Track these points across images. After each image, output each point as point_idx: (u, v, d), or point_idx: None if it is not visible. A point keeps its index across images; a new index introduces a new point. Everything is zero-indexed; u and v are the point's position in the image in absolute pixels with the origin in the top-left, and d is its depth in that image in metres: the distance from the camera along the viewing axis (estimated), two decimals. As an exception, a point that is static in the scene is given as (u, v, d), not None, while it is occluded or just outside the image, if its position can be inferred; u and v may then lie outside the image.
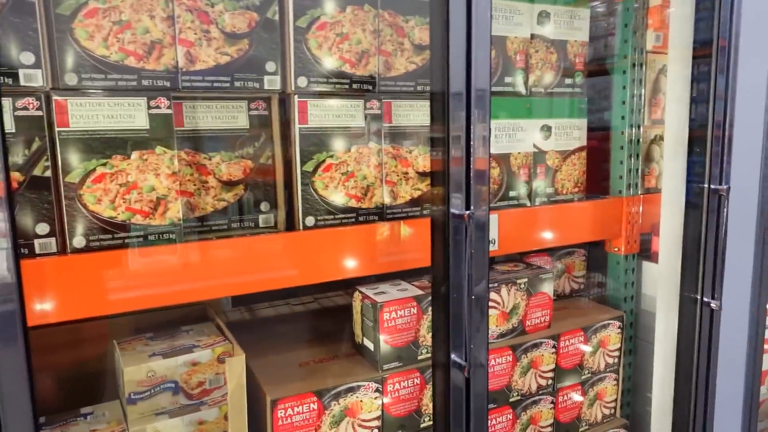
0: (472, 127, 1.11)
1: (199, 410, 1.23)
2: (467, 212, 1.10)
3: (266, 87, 1.31)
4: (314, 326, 1.72)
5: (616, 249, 1.87)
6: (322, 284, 2.02)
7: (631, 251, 1.87)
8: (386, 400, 1.40)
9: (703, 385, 1.59)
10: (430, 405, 1.47)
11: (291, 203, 1.38)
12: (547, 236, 1.71)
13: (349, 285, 1.53)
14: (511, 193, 1.67)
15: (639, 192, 1.86)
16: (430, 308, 1.45)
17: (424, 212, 1.52)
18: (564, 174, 1.76)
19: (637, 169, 1.84)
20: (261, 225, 1.38)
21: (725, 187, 1.46)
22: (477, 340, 1.17)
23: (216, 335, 1.34)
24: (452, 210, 1.11)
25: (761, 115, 1.60)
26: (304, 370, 1.41)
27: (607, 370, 1.78)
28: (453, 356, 1.16)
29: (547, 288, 1.65)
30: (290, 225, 1.39)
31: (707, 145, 1.50)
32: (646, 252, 1.90)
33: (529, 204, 1.70)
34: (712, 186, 1.47)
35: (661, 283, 1.74)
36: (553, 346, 1.64)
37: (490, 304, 1.54)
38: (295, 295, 1.97)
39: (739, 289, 1.63)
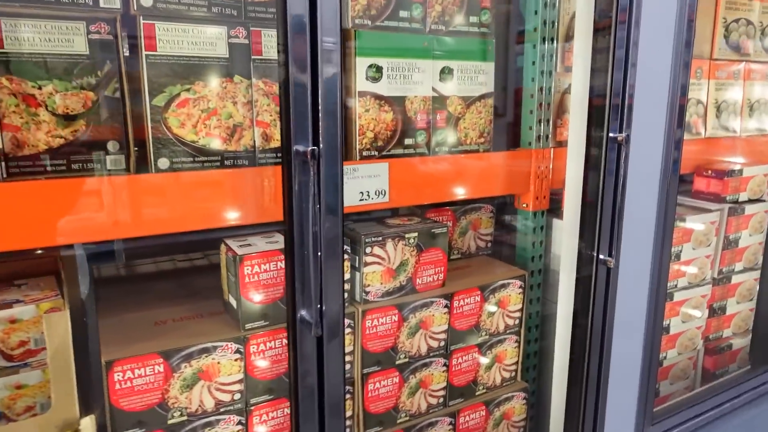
0: (318, 50, 0.96)
1: (18, 373, 1.08)
2: (311, 148, 0.95)
3: (102, 5, 1.13)
4: (192, 283, 1.58)
5: (524, 205, 1.77)
6: (213, 240, 1.87)
7: (540, 208, 1.77)
8: (251, 362, 1.27)
9: (597, 348, 1.52)
10: (303, 367, 1.35)
11: (143, 143, 1.22)
12: (448, 189, 1.59)
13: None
14: (407, 141, 1.53)
15: (550, 145, 1.75)
16: (300, 263, 1.32)
17: (304, 159, 1.38)
18: (468, 122, 1.63)
19: (548, 120, 1.73)
20: (109, 167, 1.22)
21: (624, 135, 1.35)
22: (330, 297, 1.05)
23: (51, 290, 1.19)
24: (296, 147, 0.97)
25: (668, 64, 1.50)
26: (158, 329, 1.27)
27: (507, 331, 1.70)
28: (302, 313, 1.04)
29: (441, 244, 1.54)
30: (143, 168, 1.23)
31: (607, 95, 1.38)
32: (556, 209, 1.81)
33: (427, 153, 1.57)
34: (611, 134, 1.37)
35: (564, 240, 1.65)
36: (446, 306, 1.54)
37: (374, 259, 1.42)
38: (186, 251, 1.83)
39: (640, 246, 1.55)
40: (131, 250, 1.79)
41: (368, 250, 1.41)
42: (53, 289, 1.20)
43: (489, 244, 1.85)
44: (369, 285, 1.43)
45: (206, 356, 1.22)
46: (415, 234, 1.48)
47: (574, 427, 1.59)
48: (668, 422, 1.77)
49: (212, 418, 1.26)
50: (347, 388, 1.44)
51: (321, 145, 0.99)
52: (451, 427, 1.63)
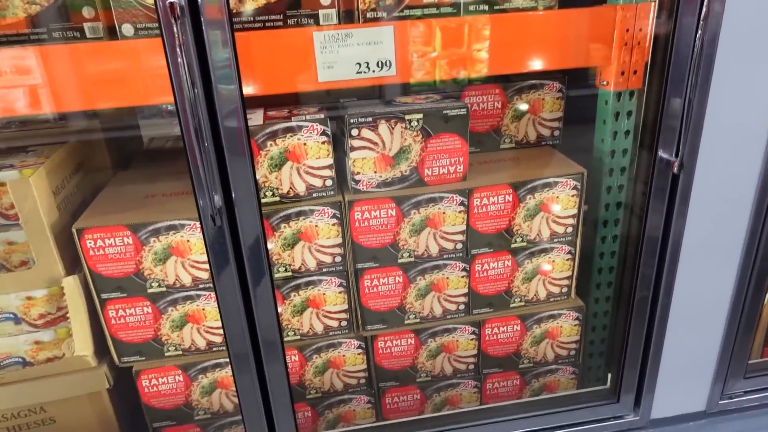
0: None
1: (8, 231, 1.19)
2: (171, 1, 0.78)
3: None
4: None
5: (604, 83, 1.35)
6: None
7: (626, 87, 1.33)
8: (224, 243, 1.23)
9: (649, 276, 1.15)
10: (282, 254, 1.28)
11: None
12: (482, 60, 1.26)
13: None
14: (426, -1, 1.23)
15: (650, -1, 1.26)
16: (269, 142, 1.19)
17: (289, 22, 1.20)
18: (519, -30, 1.24)
19: (646, -39, 1.23)
20: (89, 35, 1.19)
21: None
22: (238, 189, 0.92)
23: (46, 157, 1.26)
24: (165, 1, 0.80)
25: None
26: (143, 202, 1.29)
27: (555, 240, 1.39)
28: (201, 203, 0.93)
29: (458, 129, 1.26)
30: (115, 36, 1.18)
31: None
32: (654, 89, 1.35)
33: (458, 13, 1.25)
34: (687, -26, 0.90)
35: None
36: (462, 203, 1.29)
37: (363, 143, 1.23)
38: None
39: (739, 139, 1.07)
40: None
41: (354, 132, 1.21)
42: (49, 156, 1.27)
43: (556, 132, 1.49)
44: (359, 173, 1.25)
45: (174, 233, 1.21)
46: (419, 116, 1.23)
47: (616, 362, 1.29)
48: (775, 378, 1.34)
49: (192, 293, 1.28)
50: (340, 281, 1.33)
51: None
52: (474, 336, 1.45)
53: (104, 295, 1.25)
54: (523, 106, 1.44)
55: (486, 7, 1.26)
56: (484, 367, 1.50)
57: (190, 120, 0.83)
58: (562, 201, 1.34)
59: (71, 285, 1.22)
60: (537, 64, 1.29)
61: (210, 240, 0.96)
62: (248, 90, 1.17)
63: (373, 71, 1.20)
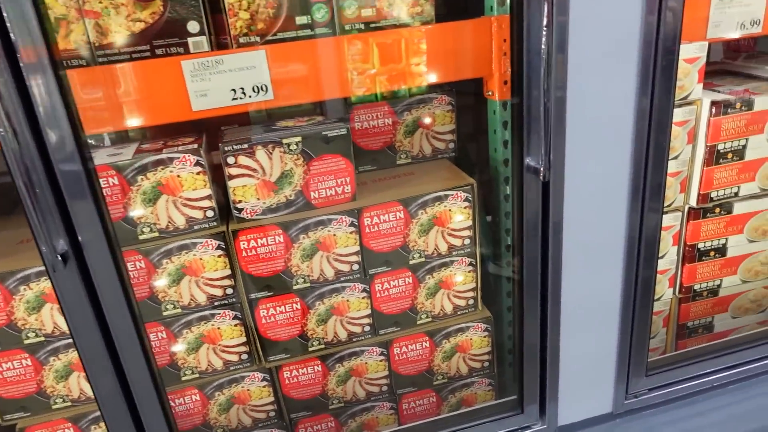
0: None
1: None
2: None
3: None
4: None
5: (489, 93, 1.36)
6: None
7: (510, 96, 1.34)
8: (104, 285, 1.17)
9: (534, 282, 1.15)
10: (168, 290, 1.23)
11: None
12: (367, 78, 1.25)
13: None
14: (300, 20, 1.22)
15: (524, 8, 1.28)
16: (139, 176, 1.15)
17: (157, 52, 1.16)
18: (390, -13, 1.24)
19: (515, -28, 1.25)
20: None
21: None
22: (82, 229, 0.87)
23: None
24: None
25: None
26: (16, 248, 1.22)
27: (454, 253, 1.38)
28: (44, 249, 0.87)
29: (341, 149, 1.24)
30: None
31: None
32: (538, 96, 1.36)
33: (333, 33, 1.24)
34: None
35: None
36: (353, 224, 1.27)
37: (241, 171, 1.20)
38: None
39: (603, 141, 1.09)
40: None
41: (230, 160, 1.18)
42: None
43: (451, 145, 1.48)
44: (240, 201, 1.21)
45: (45, 279, 1.15)
46: (298, 139, 1.21)
47: (518, 369, 1.28)
48: (680, 372, 1.35)
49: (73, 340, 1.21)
50: (234, 313, 1.29)
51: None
52: (383, 357, 1.42)
53: (-24, 351, 1.18)
54: (414, 121, 1.43)
55: (362, 26, 1.25)
56: (397, 388, 1.48)
57: (17, 169, 0.78)
58: (455, 213, 1.34)
59: (-63, 343, 1.14)
60: (422, 79, 1.29)
61: (59, 288, 0.91)
62: (131, 123, 1.14)
63: (250, 96, 1.18)
